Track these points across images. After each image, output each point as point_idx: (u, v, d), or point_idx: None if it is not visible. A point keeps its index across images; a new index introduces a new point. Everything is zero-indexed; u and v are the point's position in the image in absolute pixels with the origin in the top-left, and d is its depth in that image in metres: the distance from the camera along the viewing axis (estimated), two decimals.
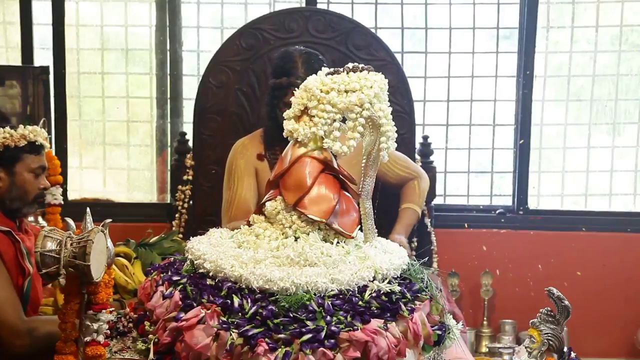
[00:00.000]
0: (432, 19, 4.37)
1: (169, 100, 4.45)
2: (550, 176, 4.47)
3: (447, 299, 3.36)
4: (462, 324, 2.43)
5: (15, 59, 4.41)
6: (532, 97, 4.32)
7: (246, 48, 3.80)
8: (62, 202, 3.55)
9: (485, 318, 4.21)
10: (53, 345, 2.06)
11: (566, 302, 2.22)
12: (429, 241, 3.90)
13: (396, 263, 2.23)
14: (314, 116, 2.25)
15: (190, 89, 4.39)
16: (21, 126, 2.69)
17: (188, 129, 4.12)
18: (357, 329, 2.00)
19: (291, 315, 2.00)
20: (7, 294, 2.51)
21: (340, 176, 2.32)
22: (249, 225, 2.33)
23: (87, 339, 1.98)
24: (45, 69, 4.26)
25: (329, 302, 2.03)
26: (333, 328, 1.99)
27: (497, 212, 4.38)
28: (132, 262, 3.19)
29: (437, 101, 4.41)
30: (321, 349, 1.96)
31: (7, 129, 2.66)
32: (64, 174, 4.13)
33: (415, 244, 3.83)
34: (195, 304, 2.08)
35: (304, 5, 4.30)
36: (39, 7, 4.39)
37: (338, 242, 2.24)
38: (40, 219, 3.60)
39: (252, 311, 2.02)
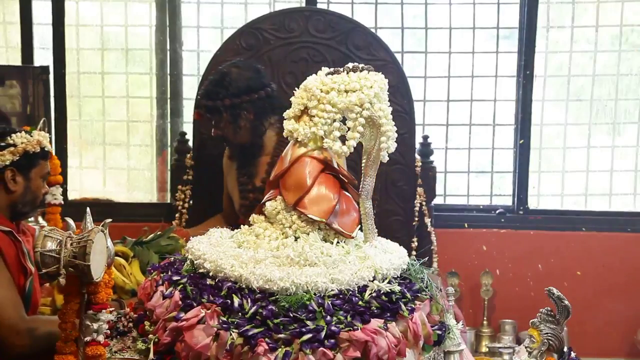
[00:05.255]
0: (432, 18, 4.37)
1: (169, 100, 4.45)
2: (550, 176, 4.47)
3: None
4: (462, 324, 2.43)
5: (15, 59, 4.41)
6: (532, 97, 4.32)
7: (246, 48, 3.80)
8: (62, 202, 3.55)
9: (485, 318, 4.21)
10: (53, 346, 2.07)
11: (566, 302, 2.22)
12: (429, 241, 3.90)
13: (396, 263, 2.23)
14: (314, 116, 2.25)
15: (190, 88, 4.39)
16: (35, 132, 2.75)
17: (188, 129, 4.12)
18: (357, 329, 2.00)
19: (291, 315, 2.00)
20: (9, 294, 2.52)
21: (340, 176, 2.32)
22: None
23: (87, 339, 1.98)
24: (45, 69, 4.26)
25: (329, 302, 2.03)
26: (333, 328, 1.99)
27: (497, 212, 4.38)
28: (129, 262, 3.17)
29: (437, 101, 4.41)
30: (321, 349, 1.96)
31: (23, 133, 2.72)
32: (64, 174, 4.14)
33: (416, 244, 3.84)
34: (195, 304, 2.08)
35: (304, 5, 4.30)
36: (39, 7, 4.39)
37: (338, 242, 2.24)
38: (40, 219, 3.60)
39: (252, 311, 2.02)
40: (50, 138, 2.87)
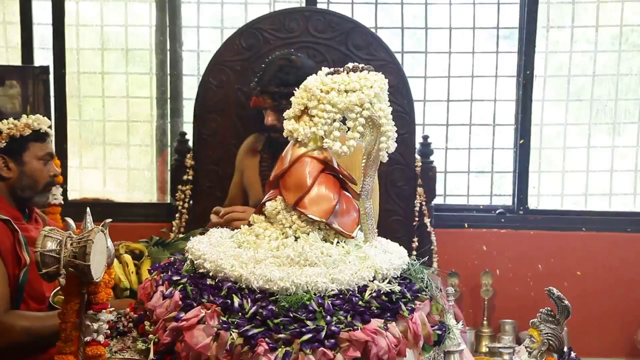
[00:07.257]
0: (432, 18, 4.37)
1: (169, 100, 4.45)
2: (550, 176, 4.47)
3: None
4: (462, 324, 2.43)
5: (15, 59, 4.41)
6: (532, 97, 4.32)
7: (246, 48, 3.80)
8: (62, 202, 3.55)
9: (485, 318, 4.21)
10: (31, 341, 2.09)
11: (566, 302, 2.22)
12: (429, 241, 3.91)
13: (396, 263, 2.22)
14: (314, 116, 2.25)
15: (190, 88, 4.39)
16: (24, 116, 2.76)
17: (188, 129, 4.12)
18: (357, 329, 2.00)
19: (291, 315, 2.00)
20: None
21: (340, 176, 2.32)
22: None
23: (87, 339, 1.98)
24: (45, 69, 4.26)
25: (329, 302, 2.03)
26: (333, 328, 1.98)
27: (497, 212, 4.38)
28: (142, 260, 3.18)
29: (437, 101, 4.41)
30: (321, 348, 1.96)
31: (11, 119, 2.73)
32: (64, 174, 4.14)
33: (416, 244, 3.84)
34: (195, 304, 2.08)
35: (304, 5, 4.30)
36: (39, 7, 4.39)
37: (338, 242, 2.24)
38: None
39: (252, 311, 2.02)
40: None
